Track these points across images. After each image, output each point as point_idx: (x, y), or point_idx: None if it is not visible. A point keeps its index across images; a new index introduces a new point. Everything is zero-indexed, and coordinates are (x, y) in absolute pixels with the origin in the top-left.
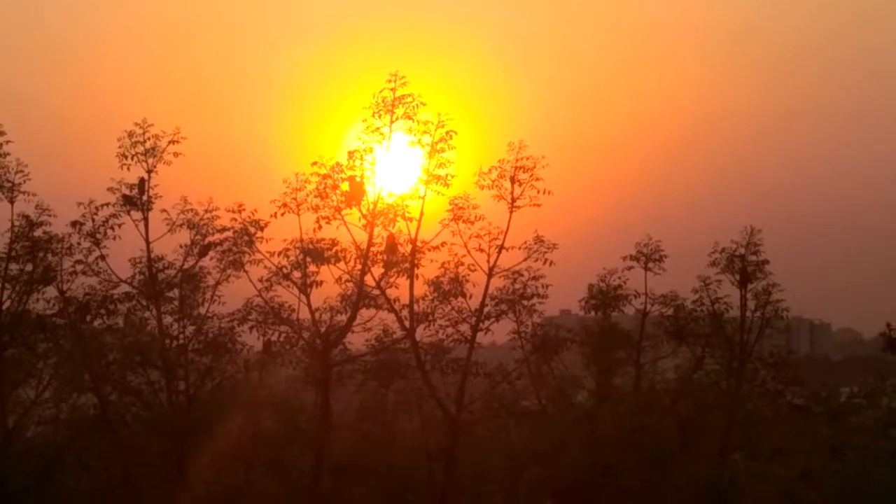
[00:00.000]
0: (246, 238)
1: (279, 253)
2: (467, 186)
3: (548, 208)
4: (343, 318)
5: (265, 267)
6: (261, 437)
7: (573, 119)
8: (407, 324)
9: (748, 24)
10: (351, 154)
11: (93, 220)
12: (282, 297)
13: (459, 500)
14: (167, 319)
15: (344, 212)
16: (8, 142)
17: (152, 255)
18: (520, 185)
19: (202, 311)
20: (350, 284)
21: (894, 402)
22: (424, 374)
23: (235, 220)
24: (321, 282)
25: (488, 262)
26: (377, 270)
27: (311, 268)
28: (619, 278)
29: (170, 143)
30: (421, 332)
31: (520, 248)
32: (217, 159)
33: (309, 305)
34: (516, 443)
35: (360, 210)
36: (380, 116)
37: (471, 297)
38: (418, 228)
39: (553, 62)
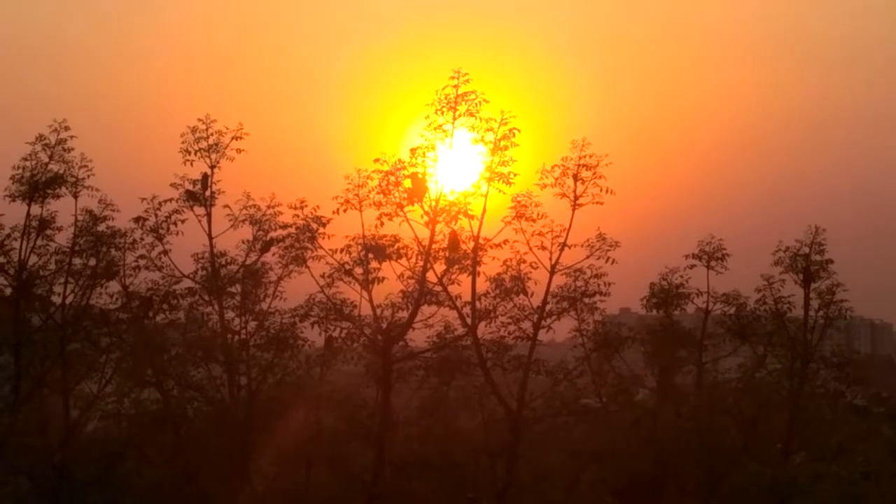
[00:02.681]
0: (308, 234)
1: (341, 249)
2: (528, 184)
3: (610, 206)
4: (404, 314)
5: (327, 263)
6: (322, 432)
7: (633, 117)
8: (469, 321)
9: (804, 26)
10: (413, 151)
11: (156, 215)
12: (343, 294)
13: (520, 497)
14: (229, 315)
15: (406, 208)
16: (72, 137)
17: (215, 251)
18: (583, 182)
19: (264, 306)
20: (412, 281)
21: None
22: (486, 371)
23: (298, 216)
24: (383, 278)
25: (550, 259)
26: (439, 267)
27: (373, 264)
28: (681, 276)
29: (233, 138)
30: (482, 329)
31: (582, 246)
32: (279, 156)
33: (371, 302)
34: (577, 440)
35: (422, 207)
36: (443, 113)
37: (532, 294)
38: (480, 225)
39: (613, 61)
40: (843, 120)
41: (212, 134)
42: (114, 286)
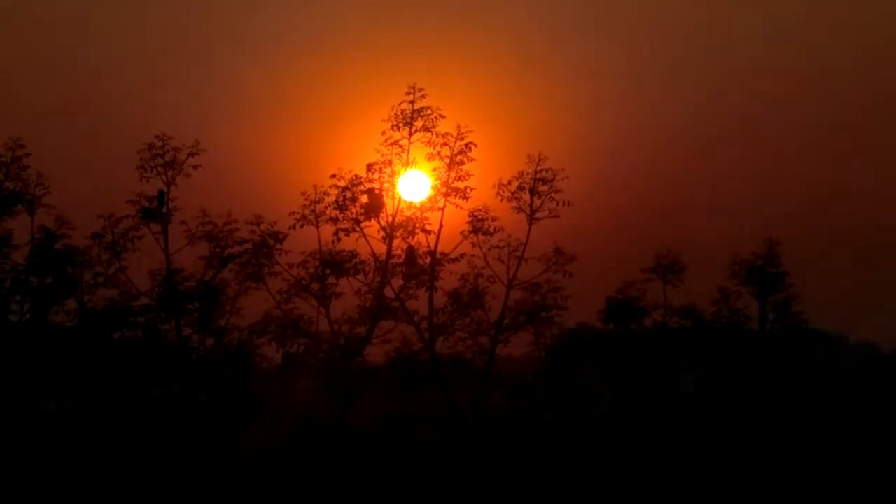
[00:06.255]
0: (265, 250)
1: (298, 265)
2: (486, 198)
3: (567, 219)
4: (362, 330)
5: (284, 279)
6: (280, 447)
7: (595, 128)
8: (426, 335)
9: (775, 34)
10: (370, 166)
11: (113, 232)
12: (301, 310)
13: None
14: (187, 331)
15: (363, 224)
16: (27, 154)
17: (172, 268)
18: (539, 196)
19: (222, 323)
20: (369, 296)
21: None
22: (443, 385)
23: (254, 232)
24: (340, 293)
25: (508, 273)
26: (396, 282)
27: (331, 280)
28: (638, 290)
29: (189, 155)
30: (440, 344)
31: (539, 260)
32: (235, 172)
33: (328, 317)
34: (535, 454)
35: (378, 222)
36: (399, 129)
37: (490, 308)
38: (437, 240)
39: (572, 73)
40: (808, 134)
41: (168, 151)
42: (71, 303)
